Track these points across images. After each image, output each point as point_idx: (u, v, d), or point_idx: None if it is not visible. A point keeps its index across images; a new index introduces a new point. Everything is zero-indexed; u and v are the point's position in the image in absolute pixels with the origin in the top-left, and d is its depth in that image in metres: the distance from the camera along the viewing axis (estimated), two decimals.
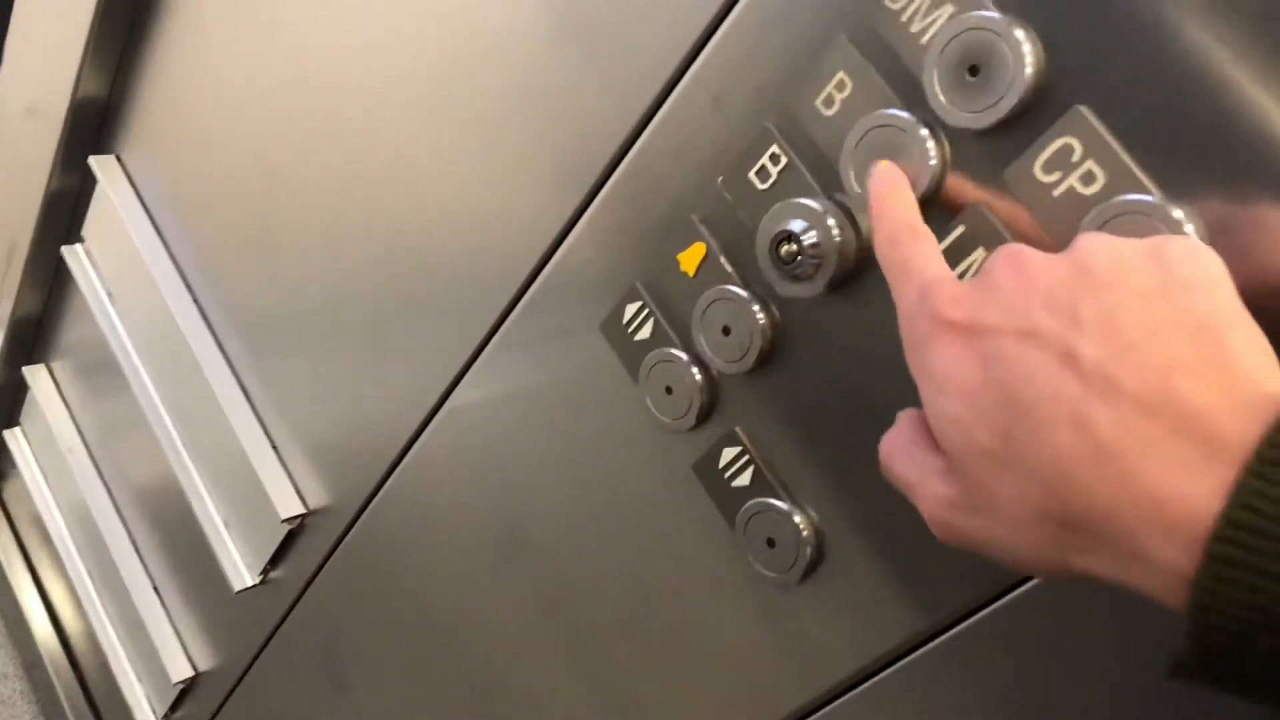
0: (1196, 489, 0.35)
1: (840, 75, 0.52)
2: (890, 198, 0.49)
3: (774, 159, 0.56)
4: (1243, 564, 0.33)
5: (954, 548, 0.43)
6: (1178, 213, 0.43)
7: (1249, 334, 0.38)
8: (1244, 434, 0.35)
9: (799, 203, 0.54)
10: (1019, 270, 0.41)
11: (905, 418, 0.47)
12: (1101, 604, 0.51)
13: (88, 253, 1.18)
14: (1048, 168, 0.46)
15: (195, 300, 1.06)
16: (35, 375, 1.40)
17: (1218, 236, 0.43)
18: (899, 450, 0.46)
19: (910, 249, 0.47)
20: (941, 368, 0.42)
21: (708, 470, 0.64)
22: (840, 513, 0.59)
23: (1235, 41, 0.42)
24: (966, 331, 0.41)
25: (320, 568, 1.02)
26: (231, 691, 1.25)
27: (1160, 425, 0.36)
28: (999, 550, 0.42)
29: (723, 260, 0.60)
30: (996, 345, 0.40)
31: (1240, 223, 0.43)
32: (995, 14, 0.47)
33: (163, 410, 1.14)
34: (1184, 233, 0.43)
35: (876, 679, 0.61)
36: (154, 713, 1.38)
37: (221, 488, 1.09)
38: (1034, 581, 0.53)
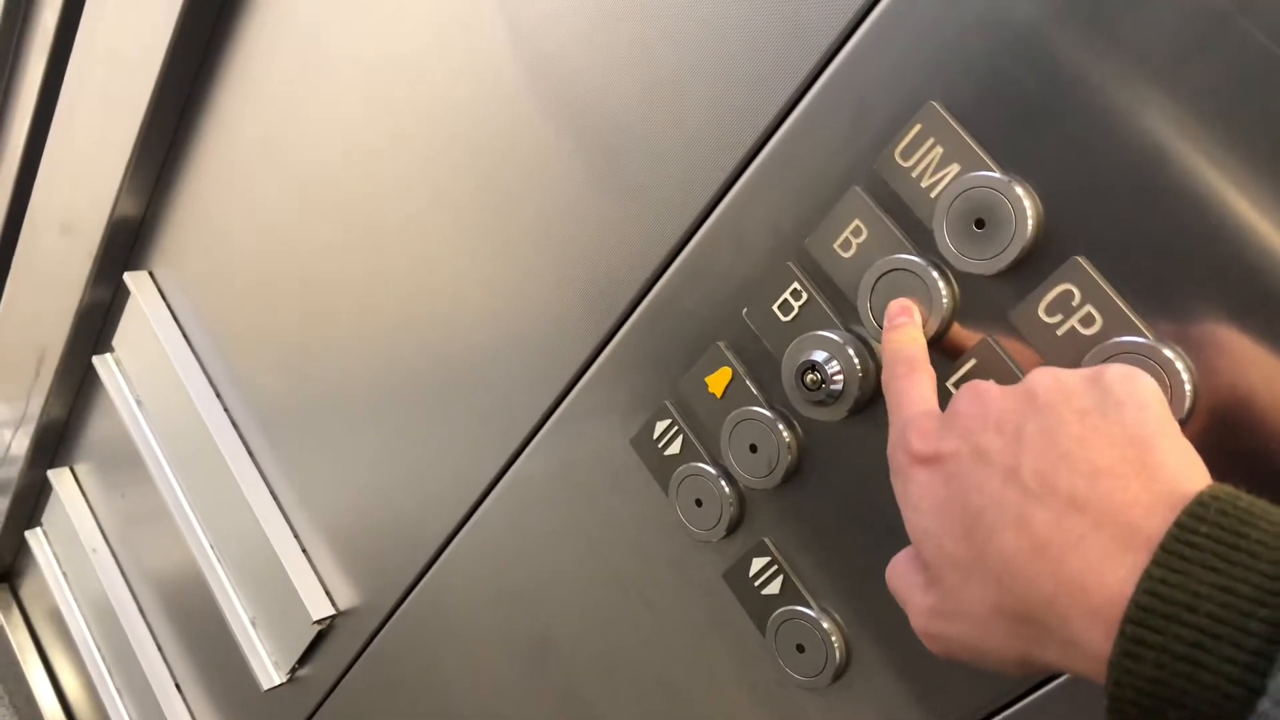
0: (1114, 577, 0.39)
1: (856, 222, 0.58)
2: (895, 336, 0.56)
3: (795, 294, 0.61)
4: (1149, 644, 0.37)
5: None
6: (1169, 352, 0.48)
7: (1176, 443, 0.43)
8: (1159, 526, 0.39)
9: (821, 335, 0.59)
10: (975, 400, 0.47)
11: (907, 548, 0.52)
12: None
13: (117, 361, 1.22)
14: (1050, 311, 0.51)
15: (225, 406, 1.10)
16: (59, 478, 1.43)
17: (1207, 375, 0.48)
18: (896, 570, 0.51)
19: (902, 382, 0.53)
20: (914, 491, 0.48)
21: (738, 579, 0.68)
22: (864, 619, 0.63)
23: (1220, 193, 0.47)
24: (932, 460, 0.48)
25: (349, 668, 1.04)
26: None
27: (1086, 520, 0.41)
28: (973, 651, 0.46)
29: (749, 383, 0.65)
30: (955, 466, 0.46)
31: (1228, 361, 0.48)
32: (997, 174, 0.52)
33: (190, 511, 1.17)
34: (1177, 371, 0.48)
35: None
36: None
37: (249, 587, 1.12)
38: (1045, 689, 0.57)
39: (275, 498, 1.07)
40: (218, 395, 1.10)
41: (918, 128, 0.54)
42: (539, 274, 0.75)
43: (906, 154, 0.55)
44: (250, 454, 1.08)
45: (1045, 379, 0.45)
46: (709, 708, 0.73)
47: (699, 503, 0.68)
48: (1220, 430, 0.48)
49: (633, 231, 0.68)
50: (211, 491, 1.13)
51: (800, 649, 0.65)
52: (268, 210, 0.97)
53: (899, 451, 0.50)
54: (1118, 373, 0.44)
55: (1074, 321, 0.51)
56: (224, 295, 1.07)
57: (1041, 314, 0.52)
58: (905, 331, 0.55)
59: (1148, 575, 0.38)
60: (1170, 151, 0.48)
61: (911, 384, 0.53)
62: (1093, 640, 0.39)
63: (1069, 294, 0.51)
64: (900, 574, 0.51)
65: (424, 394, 0.87)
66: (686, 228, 0.66)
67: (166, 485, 1.18)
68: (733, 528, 0.67)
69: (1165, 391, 0.48)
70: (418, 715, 1.00)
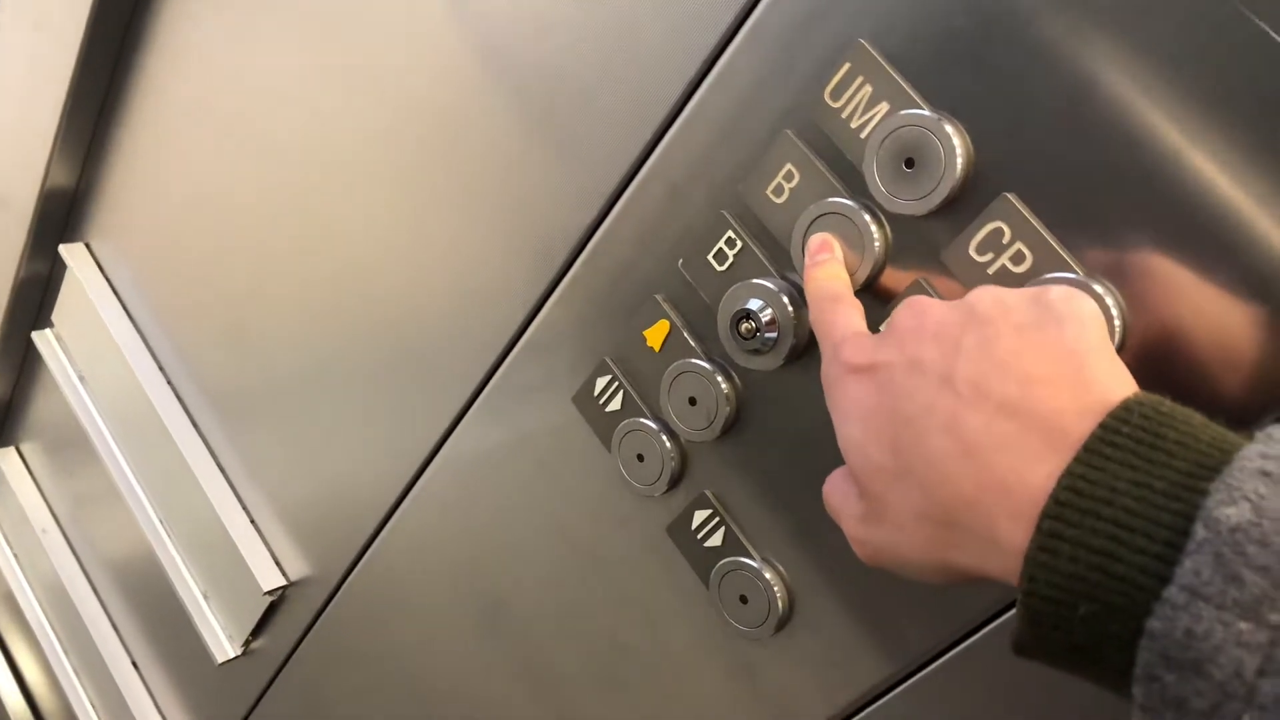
0: (1037, 476, 0.40)
1: (788, 166, 0.57)
2: (818, 273, 0.55)
3: (730, 243, 0.60)
4: (1065, 537, 0.38)
5: (886, 571, 0.48)
6: (1099, 288, 0.48)
7: (1110, 360, 0.43)
8: (1084, 430, 0.40)
9: (755, 283, 0.59)
10: (914, 313, 0.47)
11: (841, 467, 0.52)
12: None
13: (58, 337, 1.20)
14: (981, 249, 0.51)
15: (168, 379, 1.08)
16: (5, 458, 1.41)
17: (1137, 309, 0.48)
18: (832, 485, 0.52)
19: (830, 313, 0.53)
20: (846, 402, 0.48)
21: (681, 532, 0.67)
22: (807, 567, 0.63)
23: (1149, 128, 0.46)
24: (866, 370, 0.48)
25: (302, 638, 1.04)
26: None
27: (1017, 425, 0.41)
28: (900, 560, 0.47)
29: (686, 336, 0.64)
30: (888, 375, 0.46)
31: (1157, 295, 0.48)
32: (927, 111, 0.51)
33: (138, 488, 1.15)
34: (1108, 306, 0.48)
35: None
36: None
37: (200, 561, 1.11)
38: (991, 626, 0.57)
39: (222, 470, 1.05)
40: (161, 369, 1.08)
41: (847, 67, 0.53)
42: (474, 236, 0.73)
43: (836, 94, 0.54)
44: (196, 427, 1.06)
45: (986, 295, 0.46)
46: (659, 662, 0.72)
47: (640, 458, 0.68)
48: (1149, 363, 0.48)
49: (566, 187, 0.67)
50: (159, 466, 1.11)
51: (744, 600, 0.65)
52: (203, 178, 0.95)
53: (833, 365, 0.50)
54: (1060, 292, 0.45)
55: (1005, 259, 0.50)
56: (163, 267, 1.05)
57: (973, 253, 0.51)
58: (827, 268, 0.55)
59: (1068, 473, 0.39)
60: (1100, 85, 0.47)
61: (838, 312, 0.53)
62: (1012, 538, 0.40)
63: (999, 231, 0.50)
64: (835, 489, 0.51)
65: (365, 361, 0.86)
66: (619, 181, 0.64)
67: (113, 462, 1.16)
68: (674, 481, 0.67)
69: None
70: (374, 682, 0.99)
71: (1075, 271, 0.49)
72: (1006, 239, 0.50)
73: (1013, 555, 0.40)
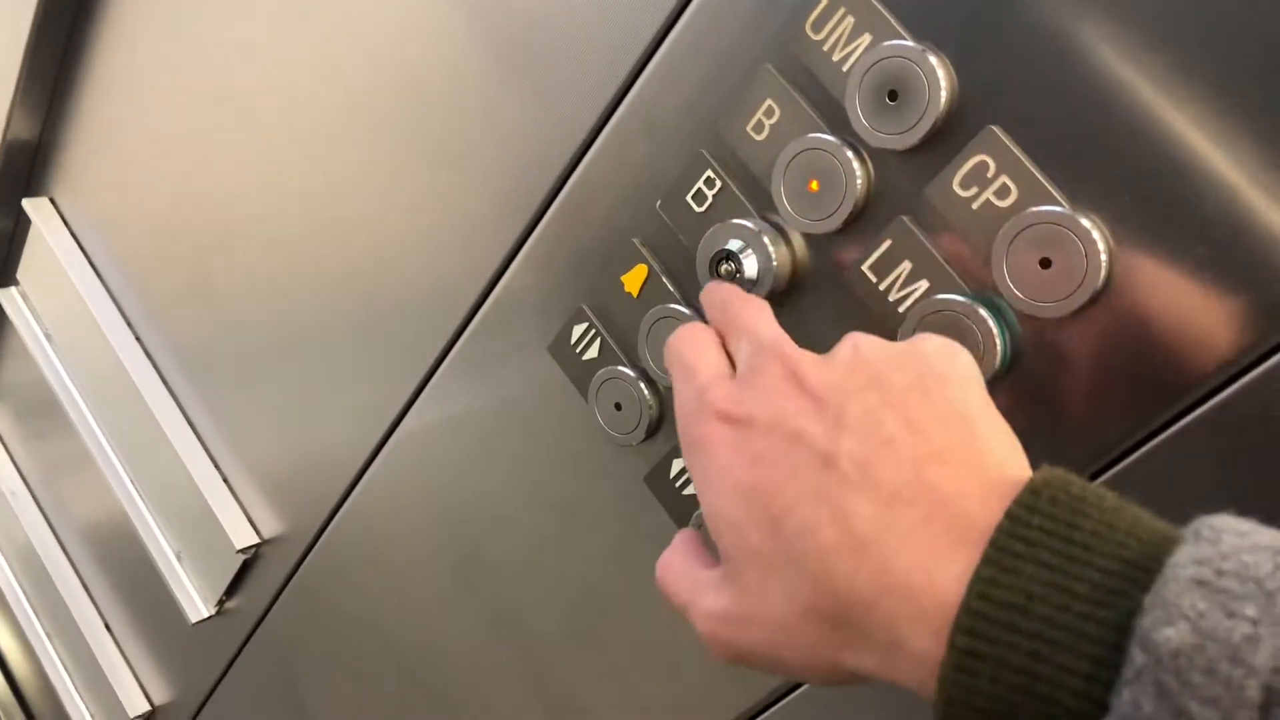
0: (945, 575, 0.35)
1: (768, 102, 0.55)
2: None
3: (709, 183, 0.59)
4: (982, 655, 0.33)
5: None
6: (1086, 221, 0.47)
7: (997, 425, 0.40)
8: (991, 517, 0.36)
9: (735, 224, 0.57)
10: (790, 375, 0.43)
11: (680, 536, 0.48)
12: None
13: (23, 295, 1.17)
14: (965, 184, 0.50)
15: (137, 337, 1.06)
16: None
17: (1124, 244, 0.47)
18: (673, 569, 0.46)
19: (693, 352, 0.49)
20: (715, 468, 0.43)
21: (659, 481, 0.66)
22: None
23: (1135, 58, 0.45)
24: (741, 424, 0.43)
25: (277, 596, 1.02)
26: None
27: (914, 513, 0.37)
28: (775, 660, 0.41)
29: (665, 280, 0.63)
30: (765, 447, 0.41)
31: (1144, 229, 0.47)
32: (910, 42, 0.50)
33: (109, 448, 1.13)
34: (1093, 241, 0.47)
35: None
36: None
37: (172, 521, 1.09)
38: None
39: (193, 427, 1.03)
40: (130, 327, 1.06)
41: None
42: (445, 183, 0.72)
43: (818, 26, 0.53)
44: (166, 384, 1.05)
45: (865, 352, 0.42)
46: (637, 614, 0.71)
47: (618, 406, 0.66)
48: (1137, 301, 0.47)
49: (539, 130, 0.65)
50: (129, 425, 1.09)
51: None
52: (167, 131, 0.92)
53: (698, 418, 0.45)
54: (936, 345, 0.42)
55: (989, 194, 0.49)
56: (129, 221, 1.02)
57: (957, 188, 0.50)
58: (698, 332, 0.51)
59: (977, 577, 0.34)
60: (1086, 13, 0.46)
61: (703, 351, 0.48)
62: (921, 646, 0.36)
63: (984, 165, 0.49)
64: (679, 574, 0.46)
65: (336, 314, 0.84)
66: (594, 122, 0.63)
67: (83, 421, 1.14)
68: (652, 430, 0.66)
69: (1081, 264, 0.47)
70: (350, 639, 0.98)
71: (1062, 205, 0.48)
72: (991, 172, 0.49)
73: (923, 666, 0.36)
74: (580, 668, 0.78)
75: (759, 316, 0.49)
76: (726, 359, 0.48)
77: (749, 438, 0.42)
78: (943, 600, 0.35)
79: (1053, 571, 0.34)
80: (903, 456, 0.38)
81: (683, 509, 0.65)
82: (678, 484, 0.65)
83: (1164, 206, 0.46)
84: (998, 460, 0.38)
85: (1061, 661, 0.33)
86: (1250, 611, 0.30)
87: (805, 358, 0.44)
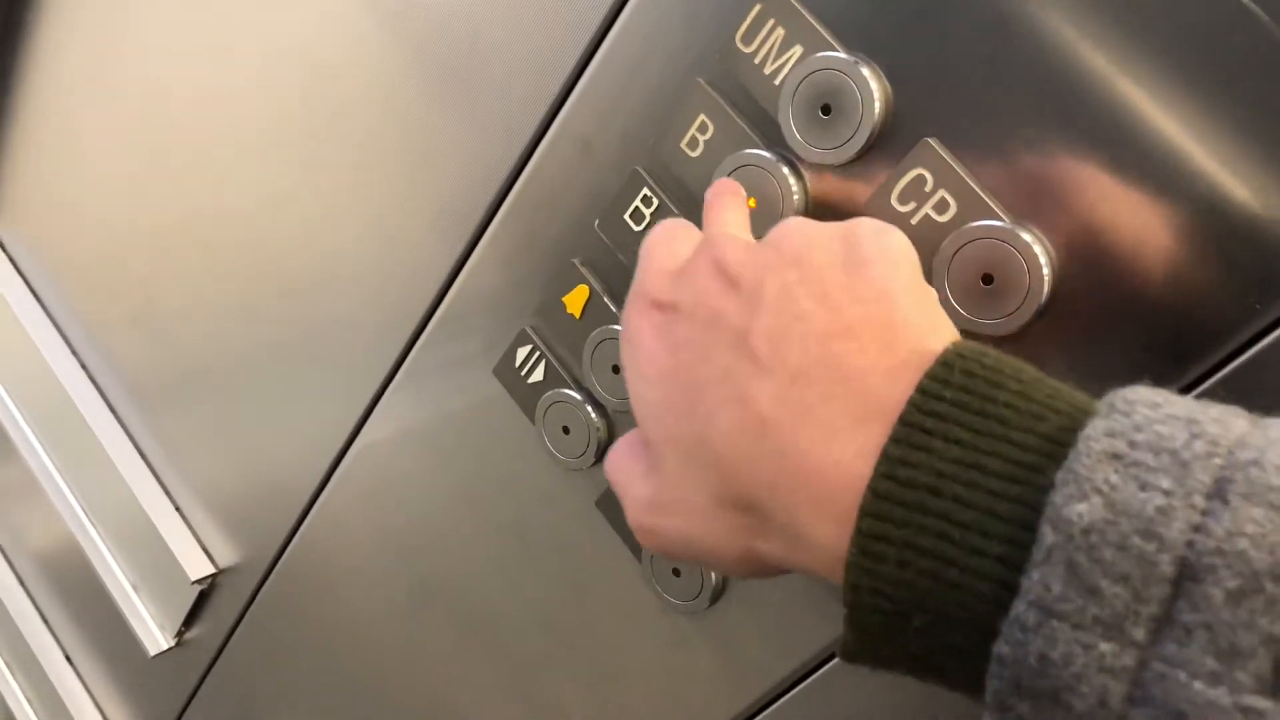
0: (846, 454, 0.33)
1: (701, 117, 0.54)
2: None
3: (646, 201, 0.57)
4: (889, 539, 0.32)
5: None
6: (1027, 236, 0.45)
7: (920, 300, 0.37)
8: (900, 395, 0.33)
9: None
10: (718, 259, 0.41)
11: (631, 432, 0.46)
12: None
13: None
14: (903, 198, 0.48)
15: (83, 366, 1.03)
16: None
17: (1066, 257, 0.45)
18: (616, 458, 0.45)
19: (650, 244, 0.46)
20: (643, 355, 0.41)
21: (611, 505, 0.65)
22: None
23: (1072, 62, 0.44)
24: (667, 309, 0.41)
25: (235, 627, 1.00)
26: None
27: (815, 391, 0.35)
28: (692, 547, 0.40)
29: (606, 300, 0.61)
30: (686, 331, 0.40)
31: (1088, 240, 0.45)
32: (842, 54, 0.48)
33: (59, 479, 1.11)
34: (1035, 255, 0.45)
35: (795, 690, 0.63)
36: None
37: (127, 551, 1.07)
38: None
39: (144, 457, 1.01)
40: (74, 353, 1.04)
41: (757, 9, 0.50)
42: (381, 204, 0.70)
43: (748, 38, 0.51)
44: (113, 412, 1.02)
45: (794, 233, 0.39)
46: (592, 641, 0.70)
47: (566, 430, 0.65)
48: (1082, 314, 0.46)
49: (474, 149, 0.64)
50: (79, 456, 1.06)
51: (676, 573, 0.62)
52: (105, 155, 0.90)
53: (634, 304, 0.43)
54: (869, 227, 0.39)
55: (928, 209, 0.48)
56: (72, 250, 1.00)
57: (895, 203, 0.48)
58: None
59: (885, 456, 0.32)
60: (1020, 20, 0.44)
61: (664, 242, 0.46)
62: (823, 533, 0.34)
63: (921, 179, 0.48)
64: (619, 462, 0.44)
65: (279, 339, 0.82)
66: (528, 140, 0.61)
67: (31, 452, 1.11)
68: (602, 453, 0.64)
69: (1024, 279, 0.46)
70: (311, 666, 0.96)
71: (1001, 219, 0.46)
72: (929, 186, 0.47)
73: (828, 551, 0.34)
74: (545, 690, 0.76)
75: (723, 214, 0.47)
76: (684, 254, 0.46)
77: (673, 322, 0.41)
78: (845, 483, 0.33)
79: (963, 448, 0.31)
80: (811, 332, 0.36)
81: None
82: None
83: (1108, 217, 0.44)
84: (915, 334, 0.36)
85: (972, 544, 0.31)
86: (1164, 484, 0.28)
87: (735, 242, 0.41)
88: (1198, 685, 0.27)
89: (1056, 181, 0.45)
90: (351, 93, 0.68)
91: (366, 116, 0.68)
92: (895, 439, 0.32)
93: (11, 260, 1.05)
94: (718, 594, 0.62)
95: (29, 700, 1.38)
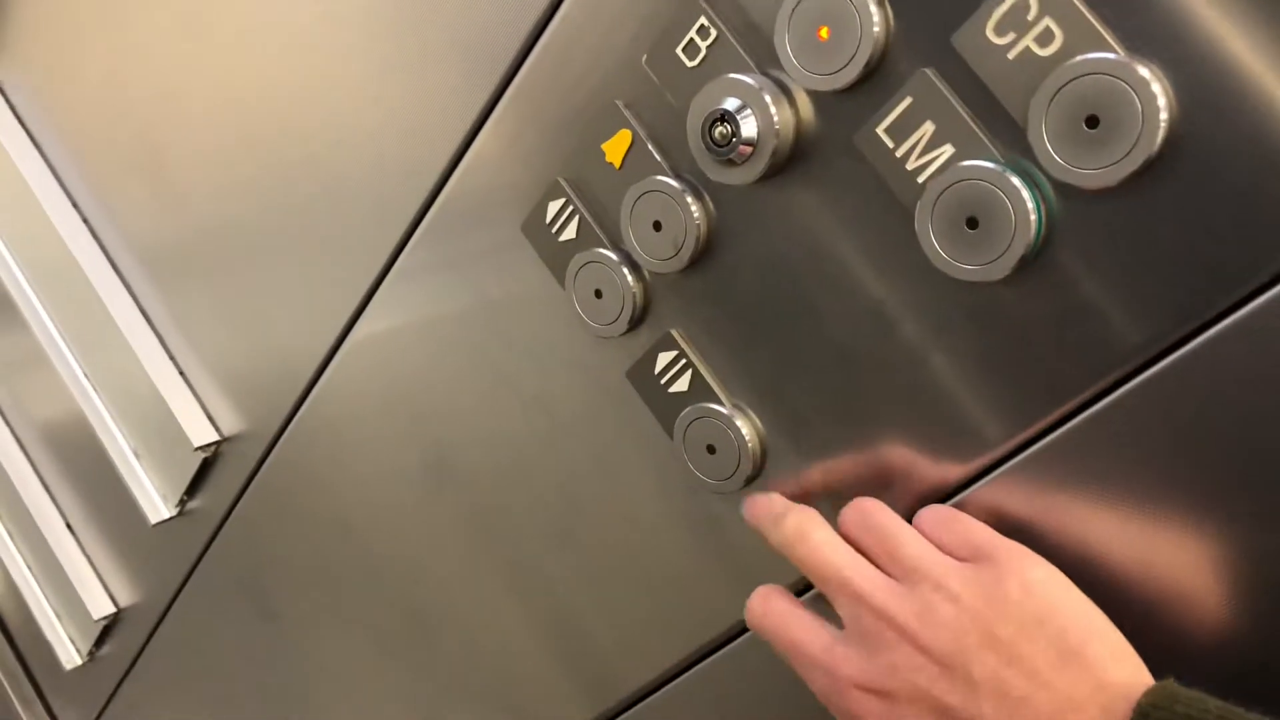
0: None
1: None
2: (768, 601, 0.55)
3: (702, 32, 0.51)
4: None
5: None
6: (1144, 70, 0.40)
7: (1104, 639, 0.44)
8: None
9: (732, 79, 0.50)
10: (902, 636, 0.46)
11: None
12: None
13: None
14: (1000, 29, 0.42)
15: (88, 225, 0.99)
16: None
17: (1188, 98, 0.40)
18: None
19: (793, 629, 0.52)
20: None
21: (643, 377, 0.60)
22: (782, 415, 0.56)
23: None
24: (883, 696, 0.47)
25: (239, 496, 0.97)
26: (157, 625, 1.20)
27: None
28: None
29: (651, 148, 0.55)
30: (915, 716, 0.46)
31: (1214, 81, 0.40)
32: None
33: (62, 343, 1.07)
34: (1151, 95, 0.40)
35: None
36: (78, 652, 1.33)
37: (130, 419, 1.04)
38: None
39: (149, 320, 0.97)
40: (79, 212, 0.99)
41: None
42: (406, 41, 0.64)
43: None
44: (118, 273, 0.98)
45: (963, 599, 0.45)
46: (613, 518, 0.66)
47: (599, 294, 0.60)
48: (1199, 172, 0.40)
49: None
50: (82, 318, 1.02)
51: (711, 450, 0.58)
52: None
53: (838, 689, 0.49)
54: (1017, 578, 0.45)
55: (1029, 40, 0.42)
56: (74, 100, 0.94)
57: (990, 34, 0.43)
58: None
59: None
60: None
61: (800, 625, 0.52)
62: None
63: (1024, 4, 0.42)
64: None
65: (292, 195, 0.77)
66: None
67: (34, 314, 1.07)
68: (636, 320, 0.59)
69: (1135, 122, 0.40)
70: (316, 540, 0.93)
71: (1115, 51, 0.40)
72: (1032, 14, 0.42)
73: None
74: (561, 571, 0.72)
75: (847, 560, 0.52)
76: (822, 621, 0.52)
77: (896, 711, 0.46)
78: None
79: None
80: (1041, 713, 0.42)
81: (669, 407, 0.59)
82: (663, 380, 0.59)
83: (1243, 56, 0.39)
84: (1119, 681, 0.42)
85: None
86: None
87: (907, 614, 0.46)
88: None
89: (1182, 10, 0.39)
90: None
91: None
92: None
93: (13, 108, 1.00)
94: (754, 475, 0.57)
95: (29, 567, 1.36)
